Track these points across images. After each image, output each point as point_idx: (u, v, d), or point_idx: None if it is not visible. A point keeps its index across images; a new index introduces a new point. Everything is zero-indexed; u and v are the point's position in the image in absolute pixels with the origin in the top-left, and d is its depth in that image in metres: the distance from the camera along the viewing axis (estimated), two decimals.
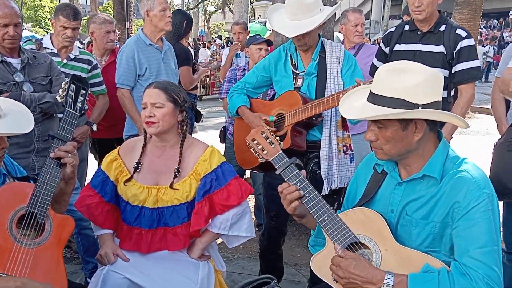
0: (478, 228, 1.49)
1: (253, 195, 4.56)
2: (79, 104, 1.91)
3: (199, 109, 4.63)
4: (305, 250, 3.86)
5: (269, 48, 3.99)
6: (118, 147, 2.25)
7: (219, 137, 4.31)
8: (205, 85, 12.60)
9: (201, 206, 2.07)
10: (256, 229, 4.26)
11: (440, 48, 2.90)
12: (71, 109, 1.87)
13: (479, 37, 15.07)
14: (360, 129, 3.81)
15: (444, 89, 2.99)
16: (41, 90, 2.70)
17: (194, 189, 2.11)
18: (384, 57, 3.16)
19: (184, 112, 2.17)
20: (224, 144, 4.29)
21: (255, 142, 1.95)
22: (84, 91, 1.94)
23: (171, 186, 2.09)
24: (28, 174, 2.03)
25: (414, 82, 1.53)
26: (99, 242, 2.18)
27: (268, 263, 2.94)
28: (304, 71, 2.60)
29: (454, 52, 2.88)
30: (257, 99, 2.83)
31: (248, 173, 4.88)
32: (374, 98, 1.60)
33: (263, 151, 1.91)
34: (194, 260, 2.11)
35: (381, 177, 1.76)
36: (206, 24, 35.25)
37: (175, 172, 2.11)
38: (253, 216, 4.49)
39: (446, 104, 3.01)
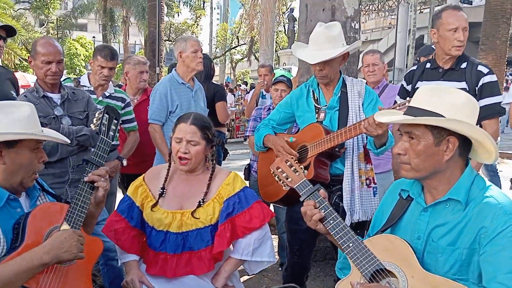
0: (506, 253, 1.47)
1: (277, 235, 4.55)
2: (111, 133, 2.04)
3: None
4: None
5: (289, 89, 4.11)
6: (144, 174, 2.34)
7: (244, 174, 4.37)
8: (230, 128, 12.82)
9: (223, 228, 2.11)
10: (280, 268, 4.22)
11: (463, 85, 2.93)
12: (104, 136, 1.99)
13: (505, 83, 14.99)
14: (385, 168, 3.81)
15: None
16: (78, 124, 2.85)
17: (218, 212, 2.15)
18: (406, 95, 3.21)
19: (214, 147, 2.26)
20: (248, 182, 4.35)
21: (280, 170, 1.99)
22: (116, 121, 2.07)
23: (193, 215, 2.14)
24: (60, 196, 2.12)
25: (454, 101, 1.58)
26: (124, 269, 2.23)
27: None
28: (326, 105, 2.67)
29: (477, 89, 2.90)
30: (282, 133, 2.91)
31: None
32: (412, 111, 1.63)
33: (287, 178, 1.95)
34: None
35: (406, 203, 1.76)
36: (232, 71, 36.29)
37: (199, 202, 2.17)
38: (277, 256, 4.45)
39: None
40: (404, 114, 1.67)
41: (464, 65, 2.97)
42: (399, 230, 1.77)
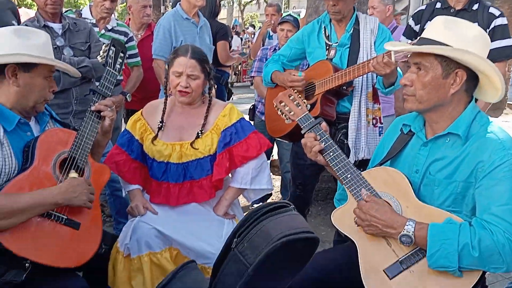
0: (501, 187, 1.49)
1: (280, 175, 4.63)
2: (118, 65, 2.02)
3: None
4: (329, 229, 3.89)
5: (295, 29, 4.01)
6: (141, 109, 2.35)
7: (248, 114, 4.38)
8: (237, 72, 12.69)
9: (221, 158, 2.15)
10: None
11: None
12: (111, 68, 1.98)
13: None
14: (389, 112, 3.80)
15: None
16: (80, 55, 2.82)
17: (216, 142, 2.19)
18: (414, 35, 3.12)
19: (211, 80, 2.27)
20: (253, 122, 4.36)
21: (283, 104, 1.99)
22: (122, 54, 2.05)
23: (192, 145, 2.18)
24: (67, 123, 2.15)
25: (467, 34, 1.55)
26: (129, 197, 2.28)
27: None
28: (337, 42, 2.62)
29: (488, 31, 2.83)
30: (290, 70, 2.87)
31: (275, 154, 4.95)
32: (422, 41, 1.61)
33: (290, 112, 1.96)
34: (220, 217, 2.18)
35: (406, 138, 1.77)
36: (240, 14, 35.30)
37: (198, 133, 2.20)
38: (280, 195, 4.55)
39: None
40: (414, 45, 1.64)
41: (476, 6, 2.88)
42: (398, 164, 1.79)
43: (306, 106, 1.95)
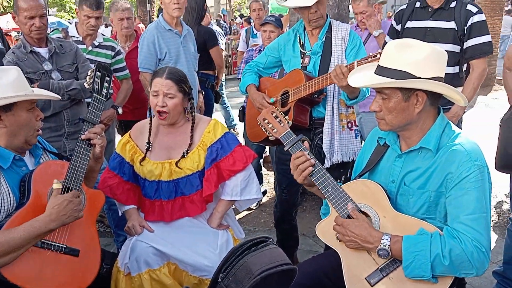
0: (468, 197, 1.61)
1: (273, 171, 4.73)
2: (104, 90, 2.08)
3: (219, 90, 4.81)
4: None
5: (278, 29, 4.06)
6: (130, 131, 2.43)
7: (239, 116, 4.46)
8: (227, 64, 12.69)
9: (210, 173, 2.25)
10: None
11: (451, 24, 2.93)
12: (98, 94, 2.05)
13: (506, 7, 14.42)
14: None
15: (456, 65, 3.03)
16: (68, 77, 2.88)
17: (203, 158, 2.29)
18: (396, 35, 3.21)
19: (191, 100, 2.34)
20: (243, 123, 4.44)
21: (266, 121, 2.09)
22: (108, 78, 2.11)
23: (177, 165, 2.27)
24: (61, 154, 2.23)
25: (418, 56, 1.65)
26: (126, 216, 2.38)
27: (283, 233, 3.11)
28: (310, 50, 2.69)
29: (466, 28, 2.91)
30: (267, 78, 2.96)
31: (268, 151, 5.05)
32: (380, 70, 1.72)
33: (273, 129, 2.05)
34: (214, 229, 2.29)
35: (383, 150, 1.88)
36: (228, 2, 34.97)
37: (183, 153, 2.29)
38: (274, 192, 4.66)
39: (458, 79, 3.06)
40: (374, 73, 1.74)
41: (453, 4, 2.96)
42: (376, 174, 1.90)
43: (288, 123, 2.04)
